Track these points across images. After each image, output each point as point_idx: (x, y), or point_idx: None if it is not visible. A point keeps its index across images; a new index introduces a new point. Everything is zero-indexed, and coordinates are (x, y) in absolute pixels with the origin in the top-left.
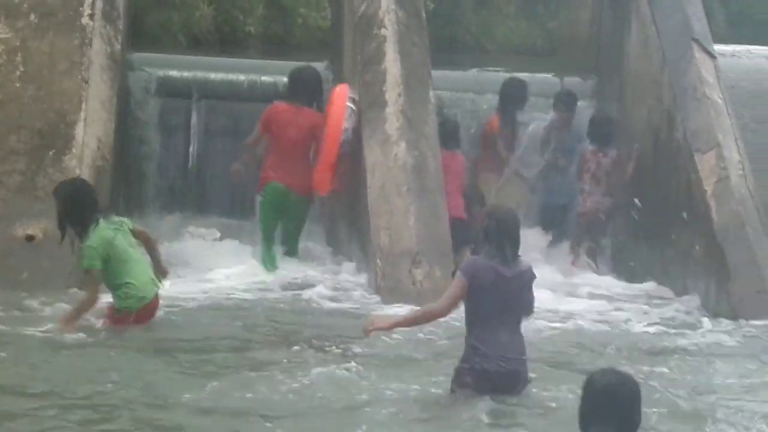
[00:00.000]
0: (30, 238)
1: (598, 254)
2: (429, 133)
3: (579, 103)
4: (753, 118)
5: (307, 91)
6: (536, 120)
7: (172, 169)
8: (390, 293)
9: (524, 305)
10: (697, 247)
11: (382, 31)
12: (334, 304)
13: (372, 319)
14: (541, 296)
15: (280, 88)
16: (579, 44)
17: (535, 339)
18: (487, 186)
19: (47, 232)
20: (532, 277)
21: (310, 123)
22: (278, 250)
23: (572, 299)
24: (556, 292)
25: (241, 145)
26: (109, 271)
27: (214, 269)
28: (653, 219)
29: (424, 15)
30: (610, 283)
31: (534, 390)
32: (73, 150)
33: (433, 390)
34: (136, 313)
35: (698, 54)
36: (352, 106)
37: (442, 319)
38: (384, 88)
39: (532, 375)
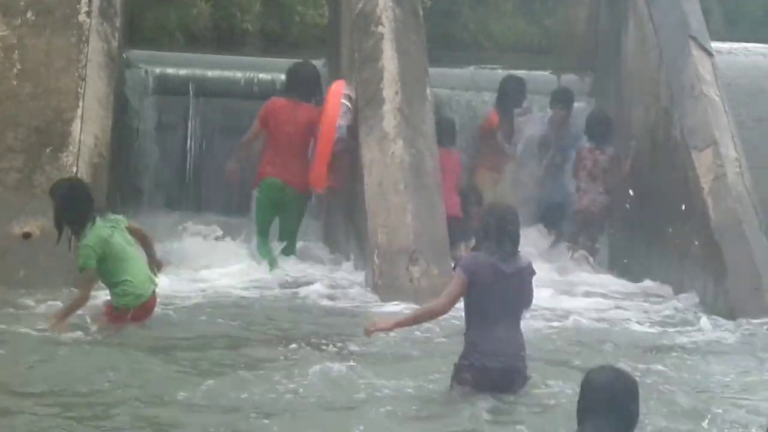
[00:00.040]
0: (27, 236)
1: (594, 252)
2: (426, 130)
3: (576, 102)
4: (750, 115)
5: (305, 86)
6: (531, 119)
7: (170, 167)
8: (387, 291)
9: (524, 300)
10: (694, 245)
11: (380, 28)
12: (331, 302)
13: (373, 320)
14: (540, 294)
15: (278, 85)
16: (576, 42)
17: (534, 337)
18: (485, 184)
19: (44, 230)
20: (532, 272)
21: (308, 119)
22: (276, 247)
23: (570, 297)
24: (555, 290)
25: (238, 144)
26: (106, 269)
27: (212, 267)
28: (650, 216)
29: (421, 12)
30: (607, 281)
31: (532, 387)
32: (70, 147)
33: (430, 388)
34: (133, 310)
35: (695, 51)
36: (347, 103)
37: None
38: (381, 86)
39: (529, 374)
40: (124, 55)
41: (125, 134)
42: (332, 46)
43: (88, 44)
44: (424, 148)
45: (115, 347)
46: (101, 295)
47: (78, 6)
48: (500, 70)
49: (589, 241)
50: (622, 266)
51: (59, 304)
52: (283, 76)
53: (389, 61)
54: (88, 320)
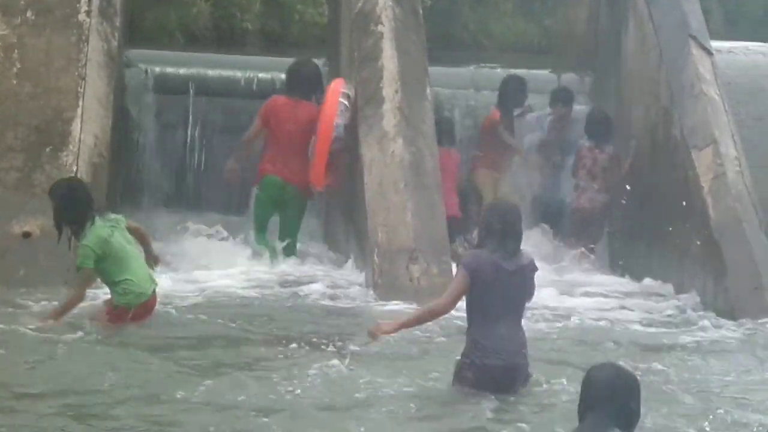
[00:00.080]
0: (27, 235)
1: (594, 251)
2: (426, 130)
3: (576, 104)
4: (750, 114)
5: (306, 84)
6: (528, 123)
7: (170, 166)
8: (387, 290)
9: (526, 297)
10: (695, 244)
11: (379, 27)
12: (331, 302)
13: (378, 324)
14: (540, 294)
15: (278, 84)
16: (576, 41)
17: (535, 337)
18: (484, 183)
19: (44, 229)
20: (534, 269)
21: (308, 117)
22: (277, 246)
23: (571, 297)
24: (555, 289)
25: (238, 143)
26: (106, 268)
27: (212, 266)
28: (650, 216)
29: (421, 12)
30: (607, 280)
31: (534, 386)
32: (70, 147)
33: (430, 387)
34: (134, 309)
35: (695, 51)
36: (344, 102)
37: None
38: (381, 85)
39: (531, 371)
40: (124, 54)
41: (125, 134)
42: (332, 45)
43: (88, 43)
44: (423, 147)
45: (115, 346)
46: (101, 295)
47: (78, 5)
48: (500, 70)
49: (589, 240)
50: (622, 265)
51: (55, 303)
52: (283, 76)
53: (389, 60)
54: (87, 321)
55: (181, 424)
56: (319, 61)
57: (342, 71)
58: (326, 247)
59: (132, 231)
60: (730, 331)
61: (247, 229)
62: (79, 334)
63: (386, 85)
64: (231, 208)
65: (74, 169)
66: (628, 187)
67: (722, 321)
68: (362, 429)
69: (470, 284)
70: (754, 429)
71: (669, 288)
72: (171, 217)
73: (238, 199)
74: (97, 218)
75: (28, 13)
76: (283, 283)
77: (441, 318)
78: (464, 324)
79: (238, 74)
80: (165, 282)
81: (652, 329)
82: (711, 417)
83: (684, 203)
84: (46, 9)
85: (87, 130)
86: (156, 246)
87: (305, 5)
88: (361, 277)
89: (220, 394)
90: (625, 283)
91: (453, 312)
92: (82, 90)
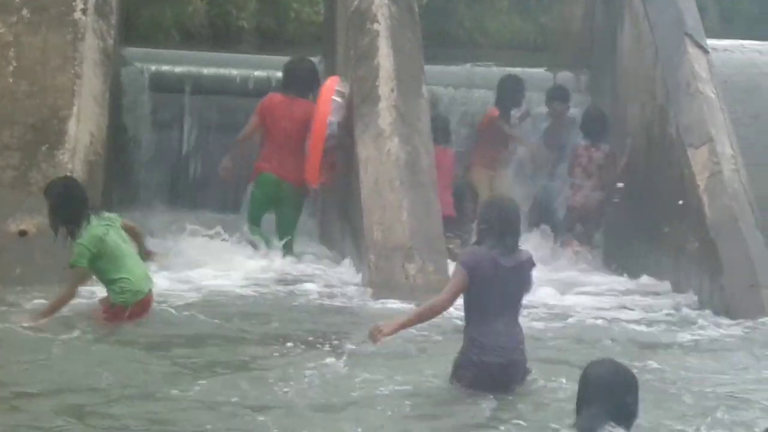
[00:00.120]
0: (23, 234)
1: (591, 249)
2: (422, 128)
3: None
4: (746, 112)
5: (302, 82)
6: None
7: (165, 164)
8: (383, 288)
9: (524, 293)
10: (690, 242)
11: (375, 26)
12: (327, 300)
13: (377, 326)
14: (538, 292)
15: (273, 83)
16: (572, 39)
17: (533, 335)
18: (480, 181)
19: (40, 228)
20: (532, 265)
21: (304, 114)
22: (272, 237)
23: (567, 295)
24: (552, 287)
25: (233, 141)
26: (102, 267)
27: (208, 265)
28: (646, 214)
29: (416, 9)
30: (604, 279)
31: (531, 384)
32: (66, 145)
33: (427, 385)
34: (131, 308)
35: (691, 49)
36: (338, 99)
37: None
38: (377, 83)
39: (529, 367)
40: (119, 52)
41: (121, 132)
42: (328, 43)
43: (83, 42)
44: (419, 145)
45: (112, 345)
46: (97, 293)
47: (73, 3)
48: (496, 68)
49: (585, 238)
50: (618, 264)
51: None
52: (278, 74)
53: (385, 58)
54: (84, 320)
55: (178, 422)
56: (314, 59)
57: (338, 69)
58: (322, 245)
59: (127, 230)
60: (726, 329)
61: (243, 226)
62: (76, 332)
63: (382, 84)
64: (227, 207)
65: (70, 167)
66: (619, 185)
67: (719, 319)
68: (359, 428)
69: (469, 281)
70: (751, 427)
71: (665, 286)
72: (167, 215)
73: (234, 197)
74: (92, 217)
75: (24, 12)
76: (279, 282)
77: (438, 316)
78: (461, 322)
79: (234, 72)
80: (161, 280)
81: (649, 328)
82: (707, 415)
83: (680, 201)
84: (42, 7)
85: (83, 128)
86: (152, 243)
87: (301, 3)
88: (356, 276)
89: (216, 392)
90: (621, 282)
91: (450, 310)
92: (77, 88)
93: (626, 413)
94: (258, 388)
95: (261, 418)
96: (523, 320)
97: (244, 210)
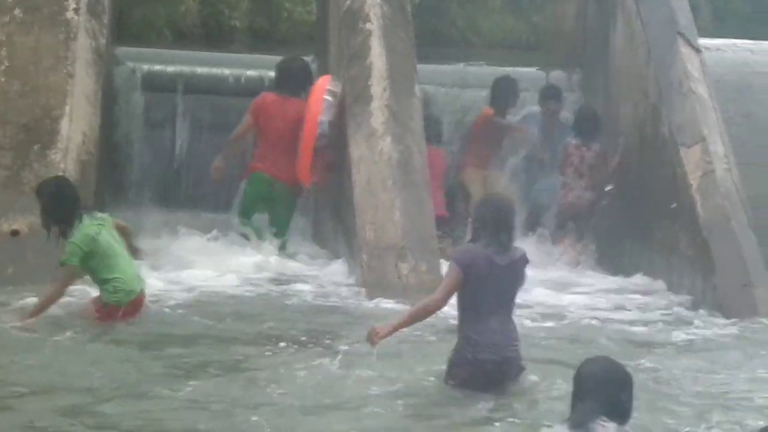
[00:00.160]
0: (15, 233)
1: (583, 248)
2: (414, 127)
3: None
4: (738, 111)
5: (294, 81)
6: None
7: (158, 164)
8: (375, 288)
9: (517, 291)
10: (683, 242)
11: (368, 25)
12: (319, 300)
13: (374, 328)
14: (533, 292)
15: (266, 82)
16: (564, 38)
17: (527, 334)
18: (472, 181)
19: (33, 227)
20: (526, 261)
21: (297, 114)
22: (262, 228)
23: (560, 294)
24: (545, 287)
25: (225, 141)
26: (94, 266)
27: (200, 264)
28: (638, 213)
29: (409, 9)
30: (596, 278)
31: (525, 384)
32: (59, 144)
33: (420, 385)
34: (124, 307)
35: (684, 48)
36: (329, 98)
37: None
38: (369, 83)
39: (524, 364)
40: (112, 52)
41: (113, 131)
42: (320, 43)
43: (76, 41)
44: (412, 145)
45: (104, 345)
46: (92, 293)
47: (66, 3)
48: (488, 67)
49: (577, 238)
50: (611, 263)
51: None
52: (271, 73)
53: (377, 58)
54: (77, 319)
55: (170, 422)
56: (307, 59)
57: (330, 69)
58: (315, 245)
59: (118, 229)
60: (719, 328)
61: (237, 226)
62: (68, 332)
63: (375, 83)
64: (220, 206)
65: (62, 166)
66: (607, 188)
67: (712, 318)
68: (352, 428)
69: (463, 280)
70: (745, 426)
71: (659, 285)
72: (159, 215)
73: (226, 197)
74: (84, 217)
75: (16, 11)
76: (272, 281)
77: (432, 315)
78: (455, 321)
79: (227, 72)
80: (154, 280)
81: (642, 327)
82: (700, 414)
83: (673, 204)
84: (34, 7)
85: (75, 127)
86: (144, 243)
87: (293, 3)
88: (349, 276)
89: (209, 392)
90: (615, 281)
91: (444, 309)
92: (70, 88)
93: (620, 410)
94: (251, 388)
95: (254, 417)
96: (518, 320)
97: (235, 208)
